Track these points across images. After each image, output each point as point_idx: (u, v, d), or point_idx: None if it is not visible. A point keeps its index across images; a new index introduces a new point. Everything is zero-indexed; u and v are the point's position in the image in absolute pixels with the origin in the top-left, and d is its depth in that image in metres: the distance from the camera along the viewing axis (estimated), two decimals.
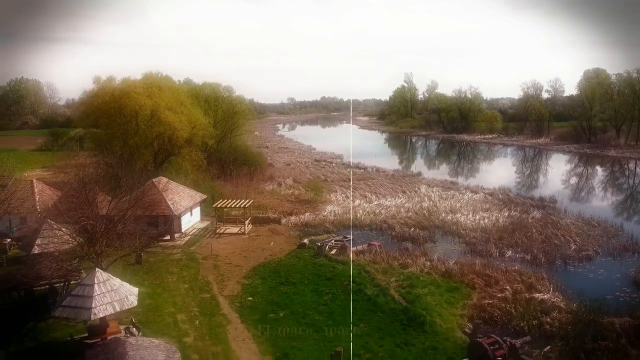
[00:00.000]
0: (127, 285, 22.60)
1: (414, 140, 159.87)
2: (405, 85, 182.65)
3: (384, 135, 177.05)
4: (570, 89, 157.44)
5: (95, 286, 21.05)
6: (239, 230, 42.62)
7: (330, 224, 46.22)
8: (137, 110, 51.74)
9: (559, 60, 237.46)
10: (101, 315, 20.62)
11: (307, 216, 49.20)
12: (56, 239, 28.72)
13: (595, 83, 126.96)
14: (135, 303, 22.12)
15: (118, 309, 21.19)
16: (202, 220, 46.13)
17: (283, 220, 47.09)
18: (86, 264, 27.36)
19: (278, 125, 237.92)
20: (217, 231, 42.13)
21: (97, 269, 22.06)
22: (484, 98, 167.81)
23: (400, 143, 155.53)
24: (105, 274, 21.99)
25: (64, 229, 28.67)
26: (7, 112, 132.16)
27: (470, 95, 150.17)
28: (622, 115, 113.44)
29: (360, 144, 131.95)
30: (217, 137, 64.35)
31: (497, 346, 15.77)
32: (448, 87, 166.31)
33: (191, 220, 43.57)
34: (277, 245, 39.16)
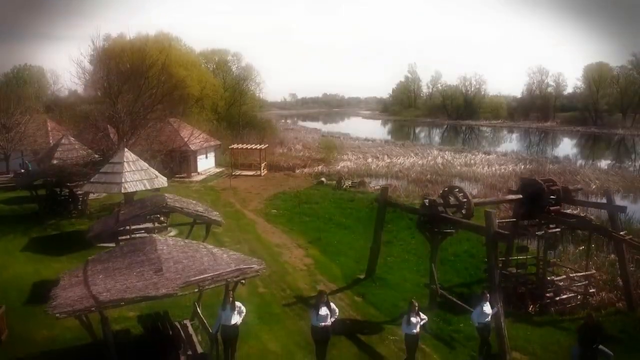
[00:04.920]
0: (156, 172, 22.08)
1: (417, 130, 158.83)
2: (409, 75, 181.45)
3: (387, 128, 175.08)
4: (573, 85, 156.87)
5: (125, 164, 20.52)
6: (255, 173, 42.13)
7: (345, 174, 45.74)
8: (148, 65, 51.06)
9: (560, 58, 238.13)
10: (131, 190, 20.06)
11: (321, 168, 48.69)
12: (75, 151, 28.23)
13: (600, 72, 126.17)
14: (166, 184, 21.59)
15: (148, 187, 20.63)
16: (216, 167, 45.57)
17: (297, 171, 46.61)
18: None
19: (280, 120, 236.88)
20: (233, 174, 41.56)
21: (125, 149, 21.52)
22: (487, 95, 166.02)
23: (404, 135, 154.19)
24: (134, 155, 21.46)
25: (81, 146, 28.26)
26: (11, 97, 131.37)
27: (475, 82, 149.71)
28: (629, 98, 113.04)
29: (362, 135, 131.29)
30: (227, 100, 63.88)
31: (551, 183, 15.25)
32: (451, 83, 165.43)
33: (206, 164, 42.99)
34: (294, 182, 38.61)
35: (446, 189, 14.51)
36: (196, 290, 10.35)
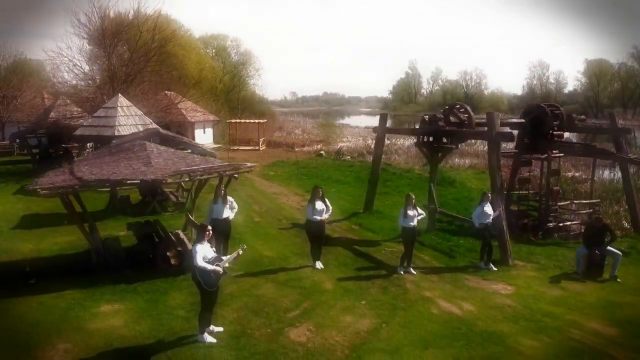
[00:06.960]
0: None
1: (417, 126, 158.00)
2: (410, 72, 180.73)
3: (387, 123, 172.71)
4: (574, 78, 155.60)
5: (119, 108, 20.12)
6: (253, 148, 41.77)
7: (344, 151, 45.35)
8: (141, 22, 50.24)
9: (561, 58, 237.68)
10: (125, 133, 19.62)
11: (320, 146, 48.31)
12: (70, 111, 27.89)
13: (600, 68, 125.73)
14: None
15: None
16: (214, 143, 45.14)
17: (296, 149, 46.27)
18: None
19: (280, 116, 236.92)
20: (231, 148, 41.16)
21: (119, 94, 21.13)
22: (487, 89, 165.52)
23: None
24: (128, 101, 21.07)
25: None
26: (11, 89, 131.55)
27: (475, 77, 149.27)
28: (630, 92, 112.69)
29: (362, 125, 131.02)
30: (227, 84, 63.49)
31: (554, 108, 14.83)
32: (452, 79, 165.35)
33: (204, 139, 42.58)
34: (293, 155, 38.21)
35: (447, 107, 14.10)
36: (187, 179, 9.95)
